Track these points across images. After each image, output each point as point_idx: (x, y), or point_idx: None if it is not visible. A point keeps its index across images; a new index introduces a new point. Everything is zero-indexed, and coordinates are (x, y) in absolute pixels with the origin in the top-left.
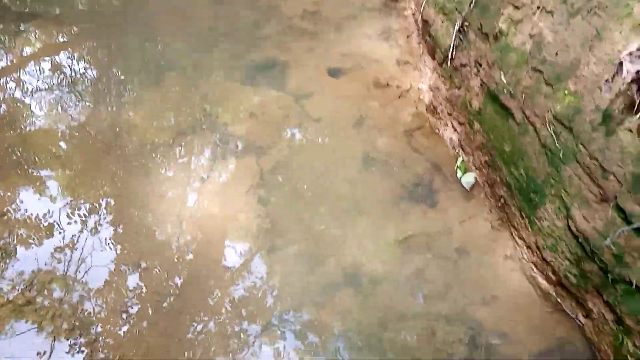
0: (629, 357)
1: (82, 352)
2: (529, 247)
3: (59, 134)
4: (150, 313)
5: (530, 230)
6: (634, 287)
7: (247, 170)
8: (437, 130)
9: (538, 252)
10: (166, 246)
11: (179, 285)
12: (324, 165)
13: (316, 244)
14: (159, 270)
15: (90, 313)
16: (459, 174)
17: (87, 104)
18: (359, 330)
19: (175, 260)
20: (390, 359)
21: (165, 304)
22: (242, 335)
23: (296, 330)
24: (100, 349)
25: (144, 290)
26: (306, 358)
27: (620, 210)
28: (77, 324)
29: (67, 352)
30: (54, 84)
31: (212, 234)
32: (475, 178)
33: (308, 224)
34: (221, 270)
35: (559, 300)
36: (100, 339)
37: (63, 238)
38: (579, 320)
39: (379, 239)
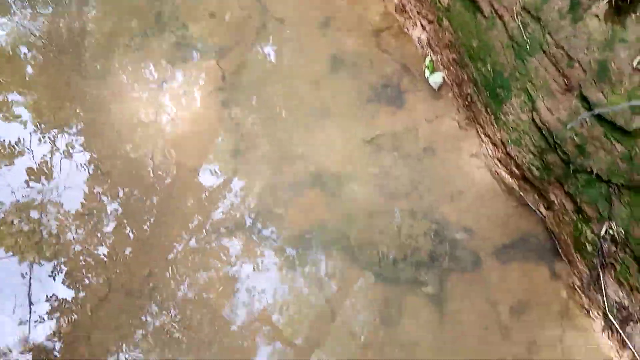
0: (587, 244)
1: (62, 272)
2: (494, 143)
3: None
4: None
5: (495, 126)
6: (594, 176)
7: (209, 73)
8: (405, 30)
9: (503, 147)
10: (130, 151)
11: (145, 188)
12: (289, 68)
13: (282, 147)
14: (121, 175)
15: (69, 236)
16: (427, 73)
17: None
18: (327, 228)
19: (140, 163)
20: (356, 253)
21: (131, 201)
22: (212, 236)
23: (265, 229)
24: (82, 270)
25: (109, 193)
26: (276, 254)
27: (584, 99)
28: (58, 247)
29: (50, 275)
30: None
31: (175, 138)
32: (444, 77)
33: (273, 127)
34: (187, 174)
35: (522, 194)
36: (81, 259)
37: (35, 161)
38: (541, 213)
39: (346, 140)
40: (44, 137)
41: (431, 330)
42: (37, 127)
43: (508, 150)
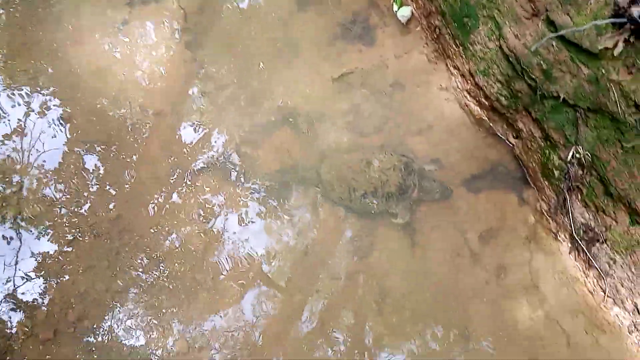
0: (554, 170)
1: (49, 234)
2: (462, 75)
3: None
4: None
5: (464, 57)
6: (560, 101)
7: (170, 13)
8: None
9: (471, 78)
10: (93, 97)
11: (110, 134)
12: (255, 6)
13: (250, 86)
14: (86, 122)
15: (51, 196)
16: (395, 7)
17: None
18: (298, 166)
19: (104, 110)
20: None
21: (98, 150)
22: (184, 177)
23: (236, 169)
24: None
25: (77, 144)
26: (246, 194)
27: (550, 23)
28: (40, 208)
29: (36, 238)
30: None
31: (138, 83)
32: (412, 11)
33: (240, 67)
34: (153, 118)
35: (491, 124)
36: (65, 220)
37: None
38: (510, 142)
39: (314, 78)
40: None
41: (403, 259)
42: None
43: (477, 80)
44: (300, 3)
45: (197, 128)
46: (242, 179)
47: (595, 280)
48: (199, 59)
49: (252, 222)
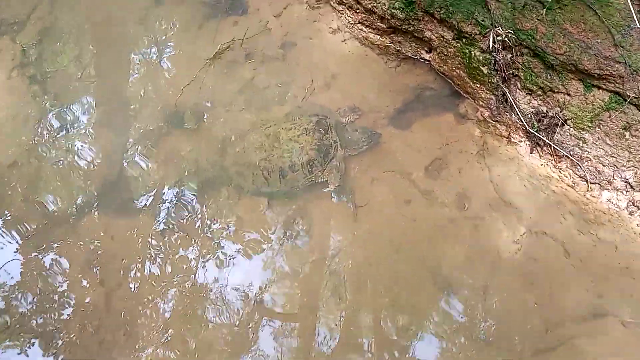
0: (480, 67)
1: None
2: (350, 7)
3: None
4: None
5: None
6: None
7: (5, 53)
8: None
9: (359, 5)
10: None
11: None
12: (107, 13)
13: (120, 97)
14: None
15: None
16: None
17: None
18: (200, 167)
19: None
20: (233, 176)
21: None
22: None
23: (140, 175)
24: None
25: None
26: (148, 222)
27: None
28: None
29: None
30: None
31: None
32: None
33: (104, 81)
34: (7, 170)
35: (398, 48)
36: None
37: None
38: (424, 59)
39: (191, 68)
40: None
41: (349, 229)
42: None
43: (365, 5)
44: None
45: (66, 163)
46: (139, 205)
47: (571, 171)
48: (49, 86)
49: (157, 254)
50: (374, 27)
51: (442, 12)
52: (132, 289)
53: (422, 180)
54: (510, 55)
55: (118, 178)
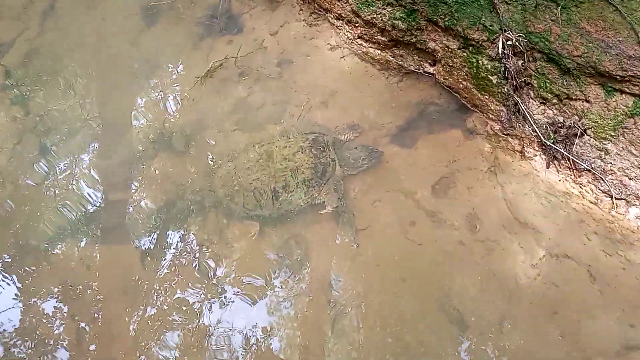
0: (489, 77)
1: None
2: (348, 22)
3: None
4: None
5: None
6: None
7: None
8: None
9: (358, 19)
10: None
11: None
12: (97, 36)
13: (105, 122)
14: None
15: None
16: None
17: None
18: (185, 191)
19: None
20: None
21: None
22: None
23: (121, 201)
24: None
25: None
26: (133, 242)
27: None
28: None
29: None
30: None
31: None
32: None
33: (89, 106)
34: None
35: (400, 63)
36: None
37: None
38: (428, 73)
39: (184, 85)
40: None
41: (349, 254)
42: None
43: (364, 17)
44: (146, 17)
45: (44, 187)
46: (119, 232)
47: (593, 186)
48: (34, 109)
49: (138, 284)
50: (374, 41)
51: (446, 19)
52: (107, 324)
53: (428, 200)
54: (522, 62)
55: (100, 202)
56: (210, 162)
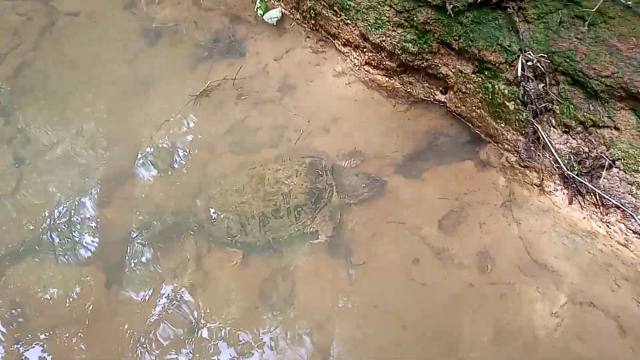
0: (506, 103)
1: None
2: (356, 47)
3: None
4: None
5: (350, 22)
6: (480, 5)
7: None
8: None
9: (367, 43)
10: None
11: None
12: (93, 55)
13: (88, 137)
14: None
15: None
16: (260, 12)
17: None
18: (165, 212)
19: None
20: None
21: None
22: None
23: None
24: None
25: None
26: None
27: None
28: None
29: None
30: None
31: None
32: (281, 11)
33: (74, 121)
34: None
35: (408, 90)
36: None
37: None
38: (439, 101)
39: (178, 104)
40: None
41: (342, 292)
42: None
43: (372, 40)
44: (147, 38)
45: (12, 202)
46: (84, 255)
47: (623, 225)
48: (13, 123)
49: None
50: (381, 67)
51: (460, 40)
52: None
53: (435, 235)
54: (543, 85)
55: (69, 219)
56: (195, 183)
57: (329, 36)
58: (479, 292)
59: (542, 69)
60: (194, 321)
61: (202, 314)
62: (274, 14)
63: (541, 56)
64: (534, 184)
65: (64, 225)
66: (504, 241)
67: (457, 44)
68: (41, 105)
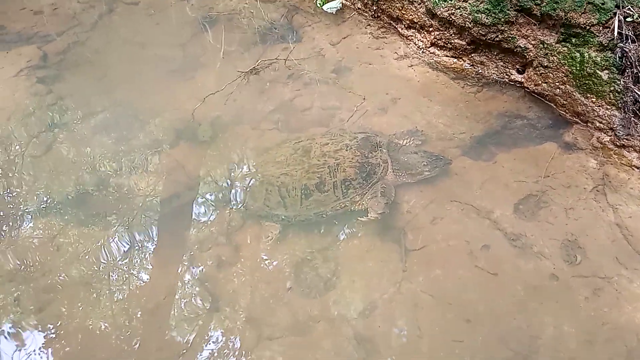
0: (598, 72)
1: None
2: (421, 27)
3: None
4: None
5: (416, 1)
6: None
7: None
8: None
9: (433, 21)
10: None
11: None
12: (146, 35)
13: (126, 109)
14: None
15: None
16: (320, 3)
17: None
18: (204, 174)
19: None
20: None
21: None
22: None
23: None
24: None
25: None
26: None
27: None
28: None
29: None
30: None
31: None
32: (341, 2)
33: (118, 93)
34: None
35: (479, 71)
36: None
37: None
38: (516, 81)
39: (226, 81)
40: None
41: (393, 279)
42: None
43: (440, 14)
44: (200, 26)
45: (44, 158)
46: (114, 221)
47: None
48: (56, 92)
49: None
50: (449, 46)
51: (543, 4)
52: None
53: (510, 220)
54: None
55: (99, 188)
56: (234, 155)
57: (391, 21)
58: (564, 285)
59: None
60: (216, 299)
61: (228, 289)
62: (334, 5)
63: None
64: (634, 166)
65: (93, 191)
66: (597, 229)
67: (539, 9)
68: (85, 78)
